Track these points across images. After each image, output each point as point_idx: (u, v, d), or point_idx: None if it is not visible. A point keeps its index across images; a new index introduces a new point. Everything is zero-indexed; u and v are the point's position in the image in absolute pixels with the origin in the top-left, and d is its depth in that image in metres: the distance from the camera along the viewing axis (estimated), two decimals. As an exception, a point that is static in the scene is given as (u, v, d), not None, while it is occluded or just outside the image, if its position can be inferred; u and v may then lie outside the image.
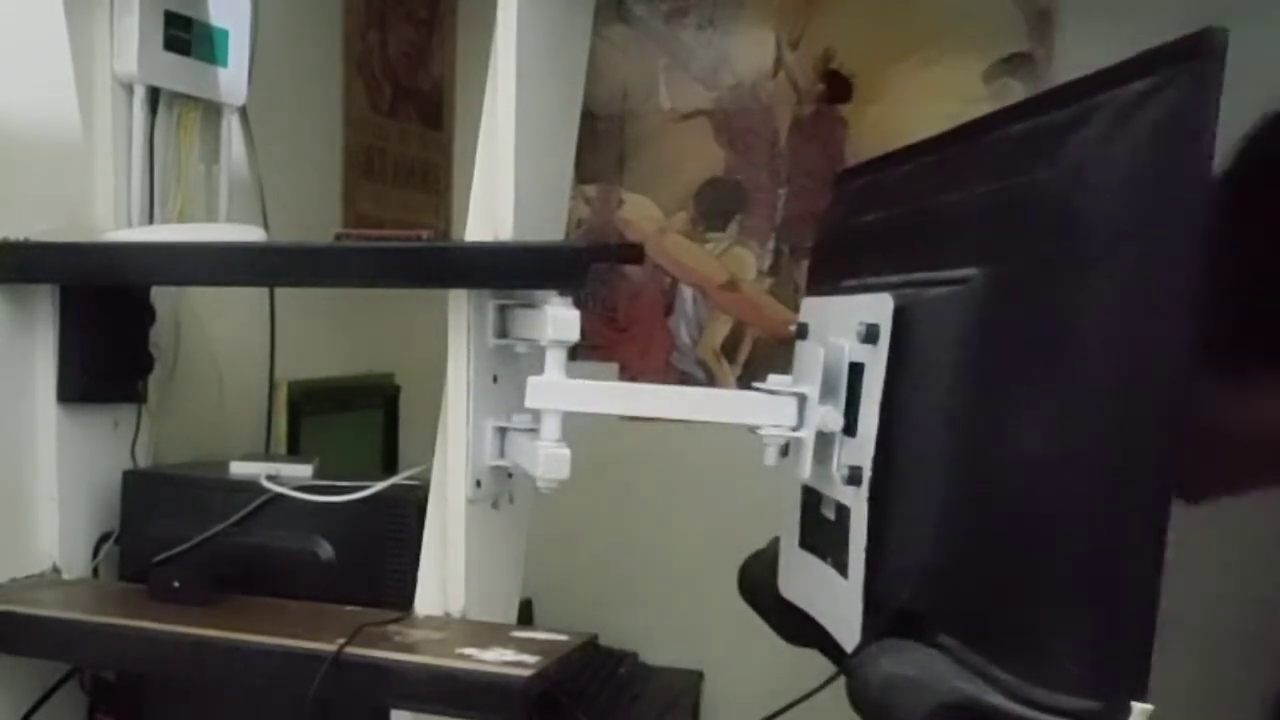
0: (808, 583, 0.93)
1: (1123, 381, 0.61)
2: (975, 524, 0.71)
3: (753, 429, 0.92)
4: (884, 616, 0.77)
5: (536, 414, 1.07)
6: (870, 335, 0.81)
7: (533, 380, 1.05)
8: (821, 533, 0.89)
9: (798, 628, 0.94)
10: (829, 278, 1.00)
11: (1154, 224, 0.60)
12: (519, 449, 1.13)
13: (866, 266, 0.93)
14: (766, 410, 0.92)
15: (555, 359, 1.06)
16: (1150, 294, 0.59)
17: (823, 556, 0.88)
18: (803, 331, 0.95)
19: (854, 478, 0.81)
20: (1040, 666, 0.60)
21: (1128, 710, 0.52)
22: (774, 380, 0.93)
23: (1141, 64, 0.63)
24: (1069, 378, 0.63)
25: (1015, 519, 0.67)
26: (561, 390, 1.04)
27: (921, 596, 0.74)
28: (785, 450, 0.94)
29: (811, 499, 0.92)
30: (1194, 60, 0.59)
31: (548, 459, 1.04)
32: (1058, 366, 0.65)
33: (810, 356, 0.91)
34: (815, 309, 0.96)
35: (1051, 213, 0.68)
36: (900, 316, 0.79)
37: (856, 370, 0.84)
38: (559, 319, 1.05)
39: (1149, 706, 0.52)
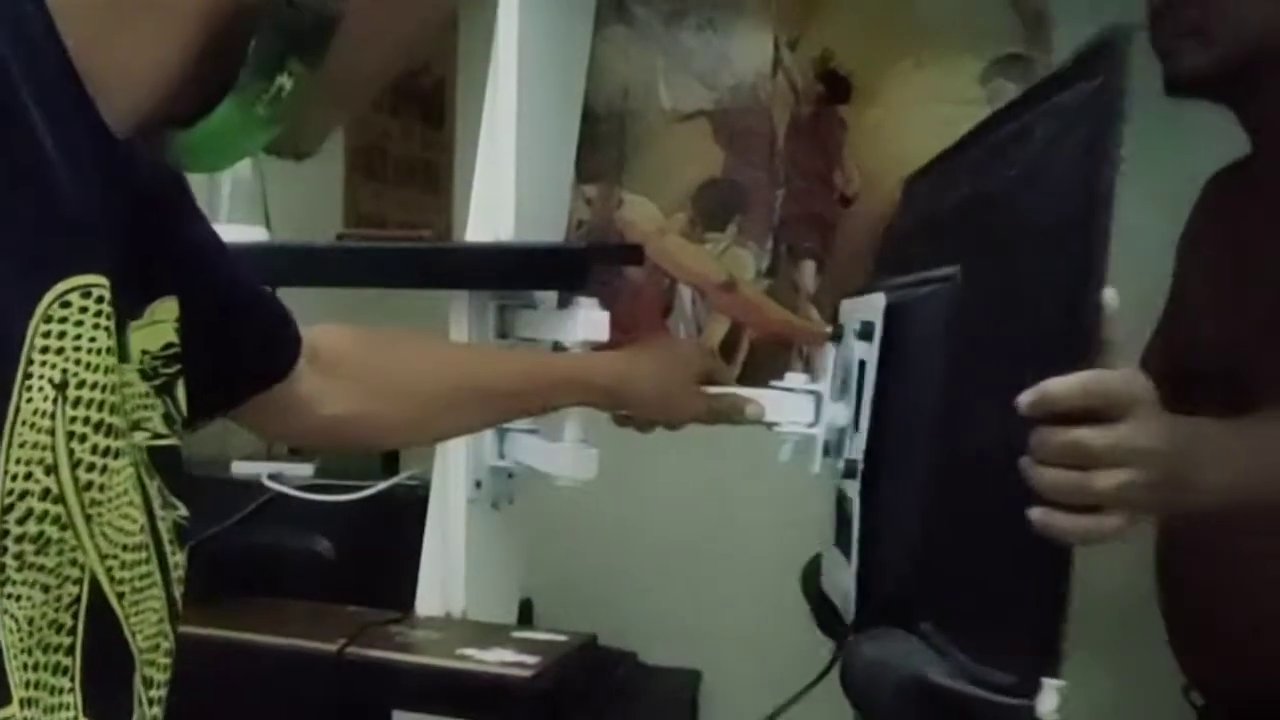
0: (837, 577, 0.94)
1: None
2: (948, 513, 0.72)
3: (770, 426, 0.95)
4: (875, 604, 0.79)
5: (536, 414, 1.08)
6: (865, 332, 0.82)
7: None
8: (842, 528, 0.91)
9: (834, 622, 0.96)
10: (873, 279, 1.04)
11: (1075, 222, 0.60)
12: (522, 449, 1.13)
13: (887, 269, 0.96)
14: (786, 407, 0.95)
15: (577, 360, 1.07)
16: (1073, 291, 0.59)
17: (844, 551, 0.90)
18: (837, 333, 0.96)
19: (850, 470, 0.83)
20: (986, 647, 0.64)
21: (1038, 685, 0.57)
22: (790, 378, 0.96)
23: (1077, 65, 0.64)
24: (1012, 375, 0.64)
25: (974, 507, 0.70)
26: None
27: (906, 584, 0.76)
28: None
29: (840, 497, 0.94)
30: (1106, 59, 0.59)
31: (575, 459, 1.05)
32: (1005, 364, 0.67)
33: (832, 355, 0.94)
34: (847, 310, 0.98)
35: (1007, 211, 0.70)
36: (890, 313, 0.81)
37: (863, 367, 0.85)
38: (589, 320, 1.07)
39: (1059, 682, 0.57)
